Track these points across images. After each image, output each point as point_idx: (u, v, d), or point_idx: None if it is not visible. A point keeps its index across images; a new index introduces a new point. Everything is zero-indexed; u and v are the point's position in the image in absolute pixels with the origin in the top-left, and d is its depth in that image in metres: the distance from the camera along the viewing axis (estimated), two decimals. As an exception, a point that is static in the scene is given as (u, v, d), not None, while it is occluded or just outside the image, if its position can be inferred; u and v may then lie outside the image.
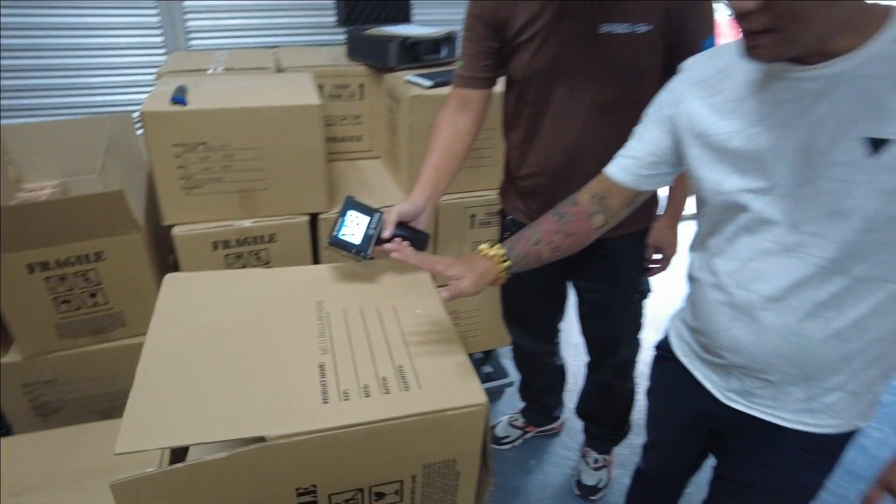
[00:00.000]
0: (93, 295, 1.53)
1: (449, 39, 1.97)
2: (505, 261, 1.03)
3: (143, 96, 2.09)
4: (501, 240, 1.54)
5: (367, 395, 0.87)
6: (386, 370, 0.92)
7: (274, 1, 2.14)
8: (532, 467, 1.88)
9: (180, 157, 1.49)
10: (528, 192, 1.44)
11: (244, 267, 1.64)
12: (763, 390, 0.92)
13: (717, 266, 0.92)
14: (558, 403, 1.96)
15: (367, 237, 1.13)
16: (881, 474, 0.90)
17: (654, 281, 1.57)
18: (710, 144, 0.87)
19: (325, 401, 0.85)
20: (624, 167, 1.02)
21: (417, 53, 1.89)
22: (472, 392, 0.90)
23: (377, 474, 0.89)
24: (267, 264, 1.65)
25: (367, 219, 1.15)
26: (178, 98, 1.46)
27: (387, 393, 0.88)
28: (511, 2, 1.22)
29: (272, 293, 1.12)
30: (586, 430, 1.86)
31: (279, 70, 1.86)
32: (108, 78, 2.05)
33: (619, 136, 1.21)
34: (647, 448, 1.32)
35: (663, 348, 1.13)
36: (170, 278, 1.12)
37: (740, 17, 0.71)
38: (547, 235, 1.06)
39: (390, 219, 1.15)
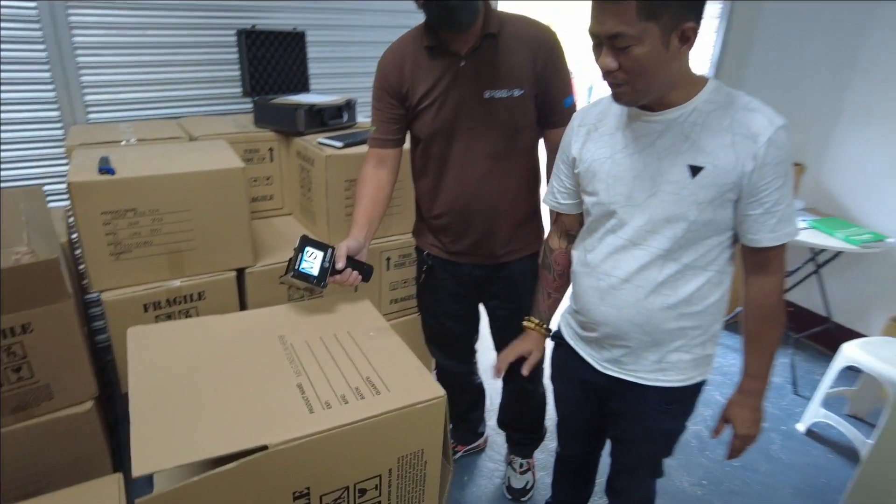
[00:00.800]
0: (17, 370, 1.50)
1: (349, 106, 2.20)
2: (543, 324, 1.42)
3: (44, 170, 2.11)
4: (419, 273, 1.77)
5: (346, 402, 1.02)
6: (357, 381, 1.08)
7: (176, 75, 2.25)
8: (466, 483, 2.05)
9: (109, 224, 1.55)
10: (440, 229, 1.67)
11: (175, 326, 1.69)
12: (626, 357, 1.22)
13: (590, 259, 1.22)
14: (481, 420, 2.17)
15: (323, 269, 1.31)
16: (722, 411, 1.25)
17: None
18: (591, 168, 1.19)
19: (311, 411, 1.00)
20: (555, 199, 1.34)
21: (323, 118, 2.10)
22: (431, 388, 1.09)
23: (360, 471, 1.03)
24: (197, 321, 1.72)
25: (321, 253, 1.33)
26: (106, 168, 1.53)
27: (362, 398, 1.04)
28: (411, 77, 1.49)
29: (235, 334, 1.23)
30: (508, 439, 2.07)
31: (192, 139, 1.96)
32: (7, 153, 2.03)
33: (508, 178, 1.55)
34: (559, 429, 1.57)
35: (557, 337, 1.42)
36: (134, 331, 1.20)
37: (606, 73, 1.03)
38: (552, 288, 1.42)
39: (341, 253, 1.34)
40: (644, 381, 1.22)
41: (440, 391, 1.08)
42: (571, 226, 1.35)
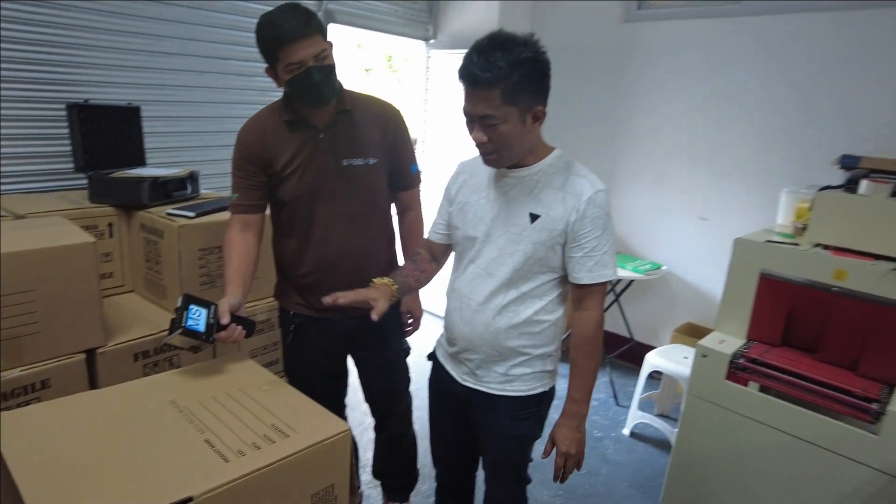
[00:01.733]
0: None
1: (192, 177, 2.21)
2: (394, 284, 1.47)
3: None
4: (285, 334, 1.82)
5: (259, 448, 1.06)
6: (263, 430, 1.12)
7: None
8: (346, 540, 2.05)
9: (-70, 313, 1.38)
10: (307, 288, 1.75)
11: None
12: (479, 370, 1.43)
13: (456, 285, 1.46)
14: (355, 473, 2.19)
15: (209, 325, 1.33)
16: (551, 431, 1.45)
17: (410, 340, 2.01)
18: (462, 209, 1.43)
19: (226, 460, 1.01)
20: (435, 233, 1.56)
21: (167, 190, 2.07)
22: (335, 424, 1.17)
23: (278, 514, 1.06)
24: (40, 414, 1.56)
25: (205, 310, 1.34)
26: (-74, 251, 1.37)
27: (273, 443, 1.08)
28: (273, 147, 1.61)
29: (121, 406, 1.18)
30: (384, 487, 2.13)
31: (17, 217, 1.81)
32: None
33: (369, 236, 1.71)
34: (434, 448, 1.71)
35: (431, 356, 1.62)
36: (8, 416, 1.10)
37: (478, 144, 1.29)
38: (411, 272, 1.56)
39: (224, 309, 1.37)
40: (494, 392, 1.43)
41: (344, 426, 1.16)
42: (436, 249, 1.59)
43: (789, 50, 2.74)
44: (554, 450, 1.43)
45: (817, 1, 2.67)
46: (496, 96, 1.20)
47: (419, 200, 1.84)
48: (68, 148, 2.18)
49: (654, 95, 3.25)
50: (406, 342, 1.97)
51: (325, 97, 1.52)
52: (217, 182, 2.65)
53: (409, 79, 5.65)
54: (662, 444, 2.71)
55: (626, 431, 2.80)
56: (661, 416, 2.87)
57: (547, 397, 1.48)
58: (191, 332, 1.30)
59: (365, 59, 6.80)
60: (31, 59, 2.13)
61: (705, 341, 2.05)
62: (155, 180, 2.01)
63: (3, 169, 2.10)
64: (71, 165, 2.21)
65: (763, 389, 1.96)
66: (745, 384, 1.95)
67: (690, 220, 3.19)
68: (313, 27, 1.45)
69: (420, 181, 1.82)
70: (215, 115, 2.76)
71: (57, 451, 1.02)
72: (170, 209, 1.95)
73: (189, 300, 1.35)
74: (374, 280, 1.49)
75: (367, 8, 3.35)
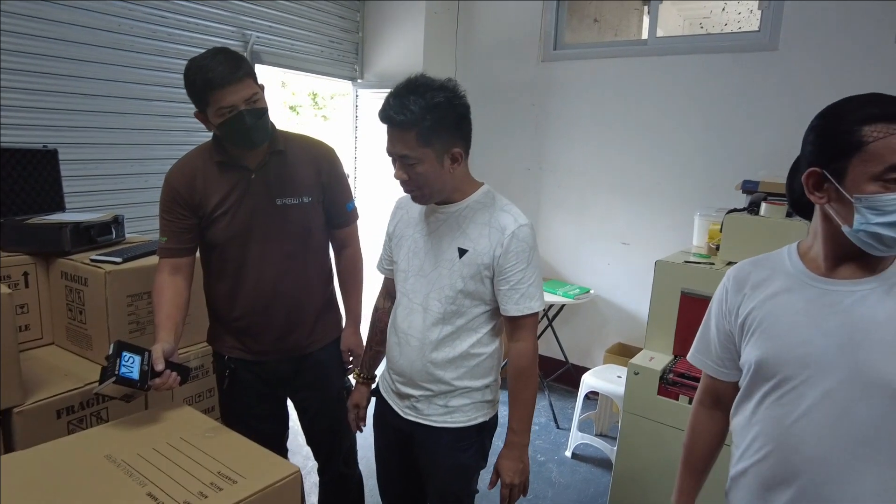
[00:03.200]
0: None
1: (117, 221, 2.12)
2: (364, 374, 1.64)
3: None
4: (221, 379, 1.76)
5: (206, 497, 1.02)
6: (209, 478, 1.09)
7: None
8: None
9: None
10: (241, 331, 1.71)
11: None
12: (420, 403, 1.45)
13: (394, 320, 1.48)
14: None
15: (143, 373, 1.28)
16: (494, 465, 1.46)
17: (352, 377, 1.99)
18: (398, 243, 1.48)
19: (172, 513, 0.98)
20: (384, 268, 1.61)
21: (91, 236, 1.98)
22: (283, 467, 1.14)
23: (229, 564, 1.03)
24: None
25: (138, 357, 1.29)
26: None
27: (220, 490, 1.05)
28: (203, 188, 1.58)
29: (49, 467, 1.11)
30: (332, 529, 2.07)
31: (-80, 270, 1.67)
32: None
33: (304, 275, 1.70)
34: (380, 484, 1.69)
35: (376, 392, 1.62)
36: None
37: (401, 183, 1.34)
38: (374, 342, 1.65)
39: (158, 355, 1.33)
40: (435, 424, 1.44)
41: (293, 467, 1.14)
42: (392, 288, 1.57)
43: (694, 85, 3.01)
44: (499, 481, 1.45)
45: (716, 43, 2.96)
46: (412, 138, 1.26)
47: (357, 237, 1.86)
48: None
49: (573, 129, 3.45)
50: (348, 380, 1.95)
51: (257, 140, 1.53)
52: (142, 225, 2.57)
53: (334, 116, 5.71)
54: (603, 463, 2.79)
55: (567, 453, 2.87)
56: (601, 435, 2.96)
57: (488, 427, 1.50)
58: (125, 380, 1.26)
59: (290, 97, 6.80)
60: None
61: (636, 359, 2.16)
62: (77, 225, 1.92)
63: None
64: (-19, 212, 2.08)
65: (663, 393, 2.08)
66: (677, 398, 2.06)
67: (614, 246, 3.37)
68: (243, 71, 1.46)
69: (357, 217, 1.84)
70: (139, 157, 2.68)
71: (-19, 519, 0.95)
72: (94, 255, 1.86)
73: (121, 347, 1.30)
74: (351, 375, 1.61)
75: (293, 49, 3.38)
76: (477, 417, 1.46)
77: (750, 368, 1.06)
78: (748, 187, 2.28)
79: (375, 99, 3.79)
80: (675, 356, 2.19)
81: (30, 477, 1.08)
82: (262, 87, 1.53)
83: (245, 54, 3.04)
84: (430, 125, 1.25)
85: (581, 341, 3.55)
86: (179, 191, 1.59)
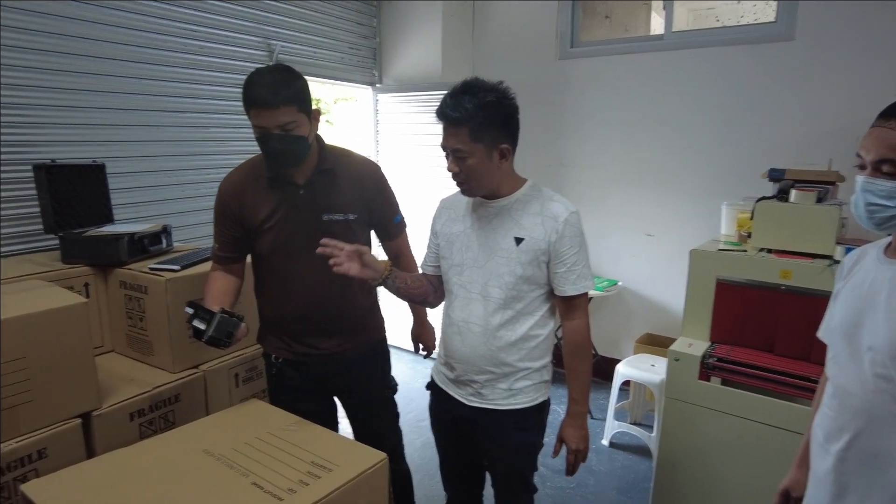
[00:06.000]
0: None
1: (165, 231, 2.19)
2: (390, 268, 1.55)
3: None
4: (269, 378, 1.82)
5: (307, 485, 1.09)
6: (305, 467, 1.15)
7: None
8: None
9: (-80, 390, 1.31)
10: (286, 334, 1.76)
11: (9, 501, 1.44)
12: (484, 389, 1.52)
13: (451, 311, 1.56)
14: (391, 500, 2.17)
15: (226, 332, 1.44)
16: (557, 434, 1.56)
17: (412, 377, 2.05)
18: (448, 239, 1.56)
19: (280, 499, 1.04)
20: (427, 265, 1.67)
21: (144, 246, 2.05)
22: (371, 455, 1.22)
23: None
24: (36, 486, 1.49)
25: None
26: (-86, 325, 1.32)
27: (318, 478, 1.11)
28: (252, 203, 1.64)
29: (153, 462, 1.18)
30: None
31: (-8, 284, 1.74)
32: None
33: (347, 287, 1.73)
34: (442, 472, 1.76)
35: (430, 385, 1.69)
36: (31, 486, 1.07)
37: (452, 175, 1.43)
38: (410, 277, 1.64)
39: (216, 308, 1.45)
40: (500, 407, 1.52)
41: (381, 454, 1.21)
42: (434, 281, 1.67)
43: (712, 77, 3.07)
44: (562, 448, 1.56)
45: (732, 35, 3.02)
46: (464, 134, 1.37)
47: (408, 245, 1.90)
48: (33, 209, 2.13)
49: (593, 125, 3.51)
50: (393, 380, 2.00)
51: (284, 164, 1.58)
52: (181, 234, 2.63)
53: (339, 120, 5.79)
54: (640, 450, 2.85)
55: (605, 442, 2.93)
56: (635, 423, 3.02)
57: (546, 406, 1.59)
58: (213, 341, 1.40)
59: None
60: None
61: (675, 346, 2.22)
62: (132, 236, 1.99)
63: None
64: (36, 227, 2.16)
65: (724, 383, 2.14)
66: (708, 380, 2.13)
67: (638, 238, 3.42)
68: (283, 97, 1.46)
69: (405, 227, 1.89)
70: (175, 168, 2.75)
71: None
72: (152, 264, 1.93)
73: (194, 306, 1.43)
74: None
75: (315, 56, 3.45)
76: (537, 398, 1.54)
77: None
78: (774, 175, 2.34)
79: (395, 103, 3.85)
80: (712, 342, 2.24)
81: (139, 470, 1.15)
82: (313, 113, 1.56)
83: (270, 64, 3.11)
84: (481, 122, 1.36)
85: (609, 333, 3.61)
86: (229, 204, 1.65)
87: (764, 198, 2.25)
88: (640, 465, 2.73)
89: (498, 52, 3.80)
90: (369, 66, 3.89)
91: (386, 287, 1.57)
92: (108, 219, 2.25)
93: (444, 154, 1.44)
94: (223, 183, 1.69)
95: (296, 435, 1.29)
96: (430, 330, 2.01)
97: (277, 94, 1.46)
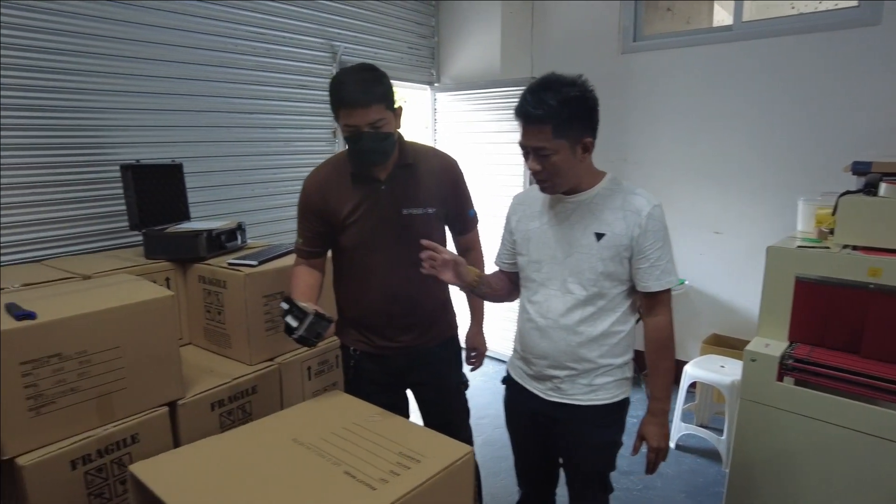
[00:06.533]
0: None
1: (240, 228, 2.26)
2: (479, 275, 1.56)
3: None
4: (347, 370, 1.84)
5: (398, 475, 1.10)
6: (394, 457, 1.16)
7: (40, 216, 2.11)
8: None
9: (29, 374, 1.39)
10: (365, 327, 1.79)
11: (106, 482, 1.52)
12: (563, 384, 1.50)
13: (529, 307, 1.54)
14: (477, 493, 2.19)
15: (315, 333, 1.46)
16: (637, 432, 1.54)
17: (470, 374, 2.05)
18: (525, 236, 1.54)
19: (373, 488, 1.06)
20: (503, 262, 1.68)
21: (222, 242, 2.12)
22: (458, 447, 1.21)
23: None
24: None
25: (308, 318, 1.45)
26: (23, 312, 1.40)
27: (408, 469, 1.12)
28: (336, 198, 1.67)
29: (246, 448, 1.22)
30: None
31: (85, 278, 1.83)
32: None
33: (424, 280, 1.73)
34: (517, 468, 1.75)
35: (506, 380, 1.69)
36: (139, 467, 1.12)
37: (533, 173, 1.40)
38: (493, 278, 1.65)
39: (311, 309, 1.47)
40: (580, 403, 1.50)
41: (467, 447, 1.21)
42: (510, 276, 1.68)
43: (786, 68, 2.94)
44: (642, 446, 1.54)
45: (809, 22, 2.89)
46: (548, 131, 1.34)
47: (479, 241, 1.91)
48: (114, 207, 2.24)
49: (658, 120, 3.42)
50: (465, 376, 2.01)
51: (373, 161, 1.60)
52: (252, 231, 2.71)
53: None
54: (708, 453, 2.77)
55: (671, 444, 2.85)
56: (701, 425, 2.93)
57: (627, 404, 1.56)
58: (303, 340, 1.44)
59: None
60: (82, 125, 2.20)
61: (752, 346, 2.14)
62: (209, 233, 2.06)
63: (59, 233, 2.14)
64: (118, 224, 2.27)
65: (798, 383, 2.04)
66: (798, 384, 2.04)
67: (705, 235, 3.32)
68: (373, 96, 1.51)
69: (477, 222, 1.90)
70: (245, 168, 2.83)
71: (213, 490, 1.05)
72: (230, 259, 2.00)
73: (290, 303, 1.46)
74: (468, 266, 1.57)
75: (376, 57, 3.50)
76: (618, 395, 1.51)
77: None
78: (859, 169, 2.22)
79: (453, 101, 3.86)
80: (791, 342, 2.15)
81: (235, 457, 1.19)
82: (397, 110, 1.60)
83: (334, 66, 3.17)
84: (565, 118, 1.33)
85: (675, 333, 3.51)
86: (312, 199, 1.69)
87: (848, 192, 2.14)
88: (708, 469, 2.65)
89: (558, 47, 3.76)
90: (427, 66, 3.91)
91: (473, 293, 1.59)
92: (186, 216, 2.34)
93: (522, 152, 1.42)
94: (308, 179, 1.73)
95: (380, 425, 1.31)
96: (484, 339, 2.00)
97: (368, 93, 1.49)
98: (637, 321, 1.55)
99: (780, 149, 3.02)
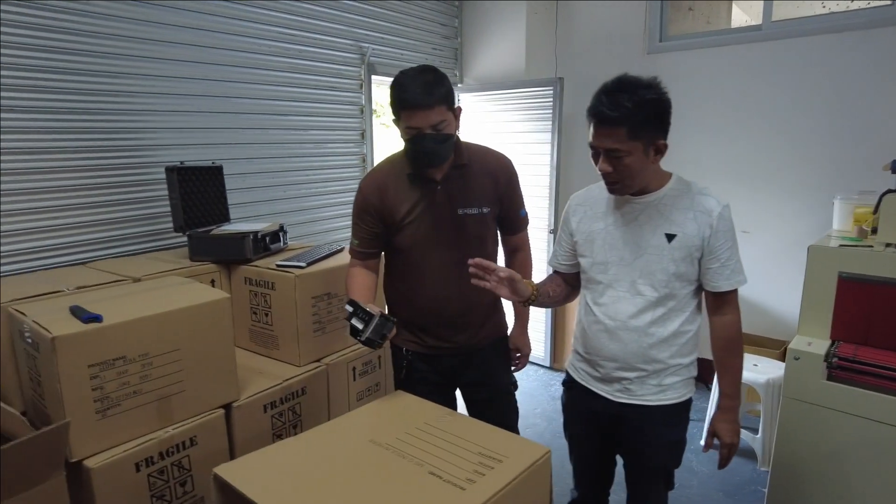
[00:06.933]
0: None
1: (282, 230, 2.27)
2: (535, 287, 1.56)
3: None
4: (398, 370, 1.84)
5: (483, 475, 1.10)
6: (475, 458, 1.16)
7: (82, 218, 2.11)
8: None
9: (97, 377, 1.40)
10: (417, 327, 1.79)
11: (167, 484, 1.52)
12: (632, 385, 1.50)
13: (596, 309, 1.53)
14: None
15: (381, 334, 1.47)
16: (709, 428, 1.56)
17: (517, 375, 2.05)
18: (587, 237, 1.53)
19: (462, 488, 1.06)
20: (560, 264, 1.66)
21: (266, 244, 2.13)
22: (535, 448, 1.21)
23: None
24: (189, 472, 1.57)
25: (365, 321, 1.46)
26: (91, 315, 1.40)
27: (492, 469, 1.13)
28: (393, 199, 1.68)
29: (326, 450, 1.22)
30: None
31: (135, 280, 1.84)
32: None
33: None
34: (574, 469, 1.75)
35: (567, 382, 1.69)
36: (223, 469, 1.12)
37: (603, 175, 1.40)
38: (549, 286, 1.65)
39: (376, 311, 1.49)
40: (650, 403, 1.50)
41: (545, 448, 1.21)
42: (567, 277, 1.68)
43: (818, 67, 2.94)
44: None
45: (841, 21, 2.89)
46: (622, 133, 1.33)
47: (528, 240, 1.91)
48: (156, 209, 2.24)
49: (684, 120, 3.42)
50: (514, 377, 2.01)
51: (434, 163, 1.60)
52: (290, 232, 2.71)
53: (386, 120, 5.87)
54: (743, 452, 2.76)
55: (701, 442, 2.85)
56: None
57: (691, 402, 1.56)
58: (369, 342, 1.45)
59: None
60: (123, 127, 2.21)
61: (794, 345, 2.14)
62: (255, 235, 2.07)
63: (102, 235, 2.15)
64: (160, 226, 2.27)
65: (840, 381, 2.04)
66: (845, 382, 2.04)
67: (732, 234, 3.32)
68: (436, 97, 1.51)
69: (528, 222, 1.89)
70: (279, 169, 2.84)
71: (304, 491, 1.06)
72: (278, 261, 2.00)
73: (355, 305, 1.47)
74: (526, 281, 1.56)
75: (402, 58, 3.50)
76: (686, 394, 1.52)
77: None
78: (899, 167, 2.22)
79: (477, 102, 3.86)
80: (833, 341, 2.16)
81: (318, 458, 1.19)
82: (457, 111, 1.60)
83: (363, 67, 3.18)
84: (641, 120, 1.33)
85: (703, 334, 3.51)
86: (371, 201, 1.69)
87: (890, 191, 2.14)
88: (743, 468, 2.66)
89: (584, 47, 3.75)
90: (451, 67, 3.91)
91: (532, 305, 1.60)
92: (226, 218, 2.34)
93: (591, 153, 1.42)
94: (364, 181, 1.74)
95: (452, 425, 1.31)
96: (528, 340, 1.99)
97: (431, 95, 1.49)
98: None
99: (809, 148, 3.03)
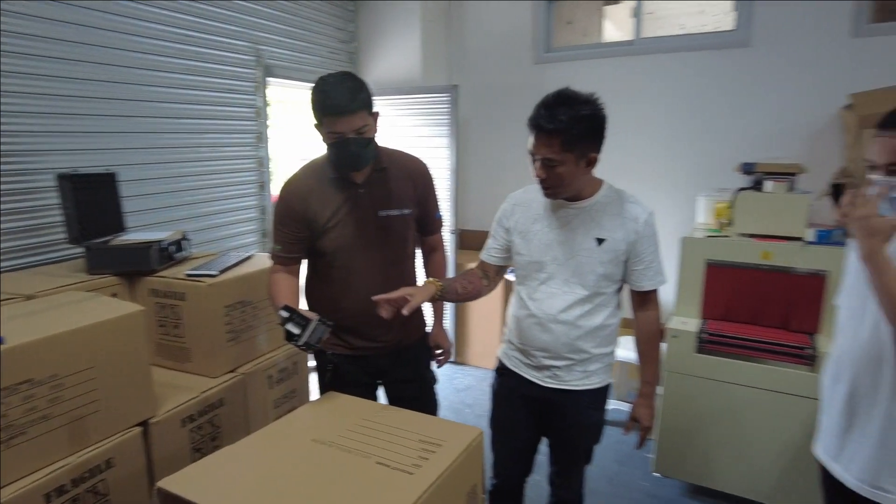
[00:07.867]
0: None
1: (185, 238, 2.19)
2: (439, 283, 1.61)
3: None
4: (322, 374, 1.87)
5: (427, 459, 1.18)
6: (416, 444, 1.24)
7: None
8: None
9: None
10: (343, 329, 1.83)
11: (82, 511, 1.44)
12: (561, 371, 1.66)
13: (530, 304, 1.66)
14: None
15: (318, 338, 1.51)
16: (630, 413, 1.75)
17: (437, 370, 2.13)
18: (523, 236, 1.66)
19: (410, 473, 1.13)
20: (491, 255, 1.76)
21: (171, 253, 2.05)
22: (468, 430, 1.31)
23: (450, 515, 1.19)
24: (105, 497, 1.49)
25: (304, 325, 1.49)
26: (-8, 339, 1.30)
27: (434, 452, 1.21)
28: (317, 204, 1.70)
29: (270, 452, 1.23)
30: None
31: (28, 297, 1.70)
32: None
33: (401, 279, 1.82)
34: (496, 456, 1.87)
35: (500, 370, 1.81)
36: (168, 482, 1.10)
37: (539, 180, 1.53)
38: (458, 281, 1.72)
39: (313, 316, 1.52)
40: (576, 388, 1.66)
41: (477, 430, 1.31)
42: (490, 270, 1.79)
43: (679, 80, 3.34)
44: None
45: (697, 41, 3.31)
46: (557, 144, 1.45)
47: (443, 241, 2.01)
48: (47, 220, 2.08)
49: (566, 125, 3.72)
50: (433, 372, 2.09)
51: (359, 166, 1.66)
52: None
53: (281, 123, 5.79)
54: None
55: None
56: (619, 400, 3.25)
57: (611, 387, 1.75)
58: (308, 346, 1.49)
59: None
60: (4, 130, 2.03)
61: (672, 325, 2.44)
62: (160, 244, 1.98)
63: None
64: (50, 237, 2.11)
65: (712, 353, 2.38)
66: (715, 354, 2.37)
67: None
68: (358, 103, 1.56)
69: (442, 224, 1.99)
70: (173, 175, 2.71)
71: (256, 495, 1.07)
72: (187, 270, 1.94)
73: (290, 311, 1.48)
74: (426, 279, 1.64)
75: (299, 61, 3.47)
76: (606, 379, 1.71)
77: None
78: (747, 168, 2.61)
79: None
80: (704, 319, 2.49)
81: (267, 461, 1.20)
82: (375, 115, 1.65)
83: (259, 70, 3.12)
84: (576, 134, 1.45)
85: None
86: (295, 207, 1.70)
87: (742, 189, 2.51)
88: (631, 438, 2.93)
89: (476, 55, 3.94)
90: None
91: (442, 300, 1.68)
92: (122, 227, 2.21)
93: (530, 159, 1.53)
94: (286, 186, 1.74)
95: (388, 418, 1.37)
96: (448, 336, 2.08)
97: (354, 101, 1.54)
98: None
99: (678, 151, 3.43)
